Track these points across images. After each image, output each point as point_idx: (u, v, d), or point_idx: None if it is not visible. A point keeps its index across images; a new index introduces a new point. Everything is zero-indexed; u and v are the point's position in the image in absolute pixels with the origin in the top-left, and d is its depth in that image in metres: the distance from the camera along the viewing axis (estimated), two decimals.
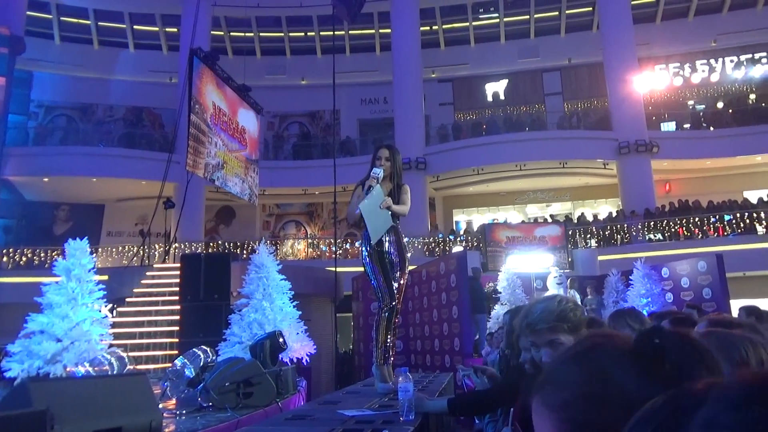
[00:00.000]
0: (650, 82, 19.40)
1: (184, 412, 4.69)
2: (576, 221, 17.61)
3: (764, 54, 19.87)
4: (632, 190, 16.85)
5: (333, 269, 11.58)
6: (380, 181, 3.83)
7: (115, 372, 5.46)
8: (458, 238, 16.81)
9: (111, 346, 5.98)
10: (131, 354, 7.03)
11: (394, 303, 3.79)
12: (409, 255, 4.05)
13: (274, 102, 20.43)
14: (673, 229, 15.34)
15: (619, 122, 17.36)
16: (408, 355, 10.18)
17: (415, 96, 18.38)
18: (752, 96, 19.72)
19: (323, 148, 20.85)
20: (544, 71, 21.32)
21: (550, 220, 18.22)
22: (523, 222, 17.77)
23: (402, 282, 3.90)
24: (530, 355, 1.76)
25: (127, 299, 10.55)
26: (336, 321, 11.45)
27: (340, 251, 16.59)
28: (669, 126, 19.15)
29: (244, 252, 15.95)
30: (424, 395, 2.62)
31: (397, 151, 4.03)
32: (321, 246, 17.95)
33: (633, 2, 19.25)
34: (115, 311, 9.96)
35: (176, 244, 15.44)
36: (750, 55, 19.93)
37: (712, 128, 18.46)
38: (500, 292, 10.07)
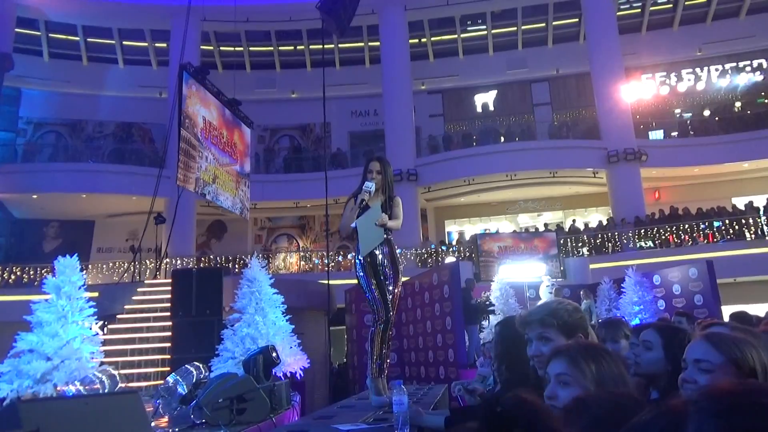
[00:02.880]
0: (637, 91, 19.62)
1: (177, 429, 4.64)
2: (567, 230, 17.68)
3: (748, 62, 20.18)
4: (622, 198, 16.97)
5: (326, 282, 11.55)
6: (372, 195, 3.85)
7: (106, 390, 5.39)
8: (450, 249, 16.84)
9: (102, 364, 5.91)
10: (123, 372, 6.94)
11: (389, 315, 3.79)
12: (402, 266, 4.04)
13: (264, 115, 20.46)
14: (663, 237, 15.44)
15: (608, 131, 17.52)
16: (402, 367, 10.14)
17: (405, 108, 18.48)
18: (737, 104, 19.97)
19: (314, 160, 20.89)
20: (533, 82, 21.51)
21: (542, 229, 18.31)
22: (514, 231, 17.83)
23: (396, 293, 3.91)
24: (533, 349, 1.78)
25: (118, 316, 10.45)
26: (329, 334, 11.38)
27: (333, 264, 16.56)
28: (657, 134, 19.36)
29: (236, 266, 15.88)
30: (420, 409, 2.61)
31: (388, 163, 4.04)
32: (313, 259, 17.91)
33: (618, 13, 19.53)
34: (106, 328, 9.85)
35: (167, 260, 15.34)
36: (735, 64, 20.23)
37: (698, 136, 18.68)
38: (494, 304, 10.06)
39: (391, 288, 3.86)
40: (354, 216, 3.79)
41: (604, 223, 17.52)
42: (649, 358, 1.97)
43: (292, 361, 7.45)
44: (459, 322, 8.59)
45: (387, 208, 3.87)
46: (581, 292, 10.84)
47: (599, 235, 16.23)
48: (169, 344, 8.92)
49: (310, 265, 17.69)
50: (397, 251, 4.04)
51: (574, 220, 18.75)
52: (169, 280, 9.69)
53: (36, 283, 13.39)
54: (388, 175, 3.95)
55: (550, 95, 21.56)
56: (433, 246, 17.27)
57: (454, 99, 21.99)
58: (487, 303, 10.26)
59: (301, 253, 18.78)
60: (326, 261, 13.80)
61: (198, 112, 13.48)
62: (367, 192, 3.80)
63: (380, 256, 3.85)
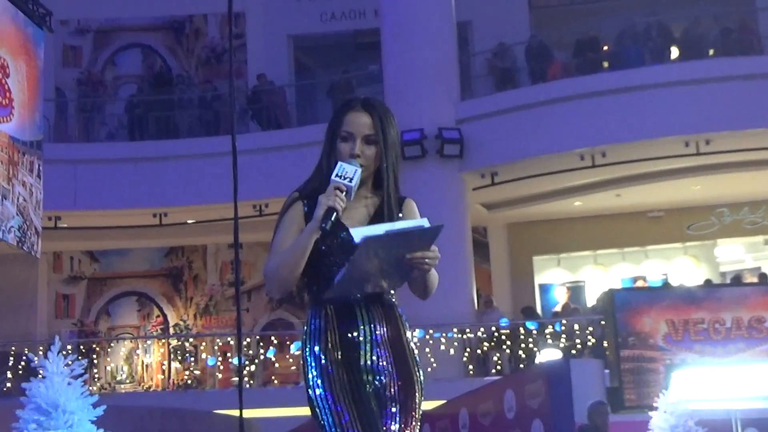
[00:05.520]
0: None
1: None
2: None
3: None
4: None
5: (235, 413, 11.53)
6: (353, 193, 3.81)
7: None
8: (549, 329, 16.96)
9: None
10: None
11: None
12: (421, 373, 4.00)
13: None
14: None
15: None
16: None
17: None
18: None
19: (205, 109, 21.18)
20: None
21: None
22: (708, 283, 17.78)
23: None
24: None
25: None
26: None
27: (252, 368, 16.69)
28: None
29: (9, 375, 15.82)
30: None
31: (389, 116, 3.99)
32: (204, 356, 17.89)
33: None
34: None
35: None
36: None
37: None
38: None
39: (395, 420, 3.84)
40: (307, 245, 3.74)
41: None
42: None
43: None
44: None
45: (386, 220, 3.85)
46: None
47: None
48: None
49: (195, 374, 17.66)
50: (413, 335, 3.98)
51: None
52: None
53: None
54: (391, 142, 3.92)
55: None
56: (505, 322, 17.26)
57: None
58: None
59: (175, 342, 18.76)
60: (236, 361, 13.84)
61: None
62: (346, 184, 3.74)
63: (366, 344, 3.82)
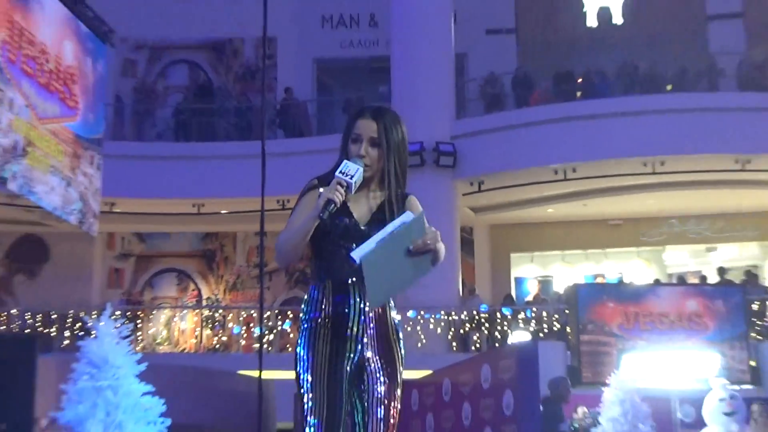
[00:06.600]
0: None
1: None
2: None
3: None
4: None
5: (255, 374, 11.56)
6: (355, 186, 3.79)
7: None
8: (522, 314, 17.03)
9: None
10: None
11: None
12: (403, 350, 4.00)
13: (137, 19, 20.54)
14: None
15: None
16: None
17: (435, 12, 18.66)
18: None
19: (240, 117, 21.23)
20: None
21: (713, 279, 18.28)
22: (657, 284, 17.83)
23: (392, 408, 3.87)
24: None
25: None
26: None
27: (271, 336, 16.69)
28: None
29: (67, 334, 15.85)
30: None
31: (396, 122, 3.98)
32: (231, 325, 17.92)
33: None
34: None
35: None
36: None
37: None
38: None
39: (378, 390, 3.84)
40: (308, 229, 3.74)
41: None
42: None
43: None
44: None
45: (392, 213, 3.84)
46: None
47: None
48: None
49: (225, 339, 17.70)
50: (395, 315, 3.97)
51: None
52: None
53: None
54: (393, 146, 3.92)
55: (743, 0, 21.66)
56: (485, 308, 17.39)
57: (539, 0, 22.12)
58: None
59: (206, 312, 18.80)
60: (258, 330, 13.84)
61: None
62: (347, 180, 3.73)
63: (354, 317, 3.82)
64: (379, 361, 3.78)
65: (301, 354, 3.74)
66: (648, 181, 18.63)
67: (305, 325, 3.78)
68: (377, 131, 3.78)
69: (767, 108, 17.94)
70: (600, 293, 15.24)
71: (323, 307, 3.75)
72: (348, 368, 3.73)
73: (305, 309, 3.80)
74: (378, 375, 3.78)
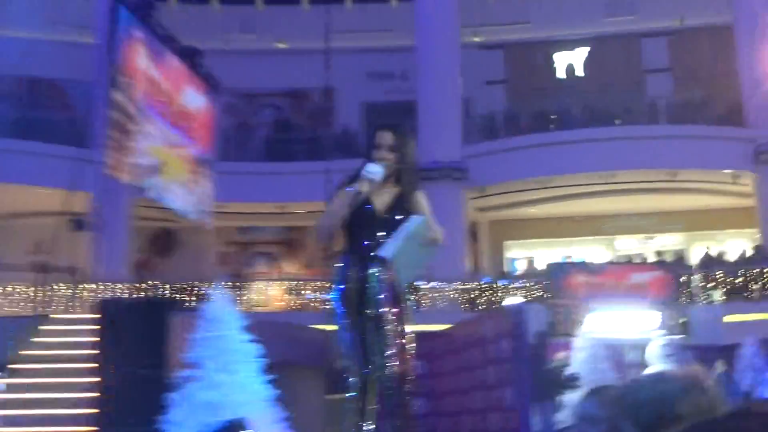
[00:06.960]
0: None
1: None
2: (692, 263, 17.51)
3: None
4: None
5: (322, 327, 11.58)
6: (376, 184, 3.78)
7: None
8: (514, 285, 16.95)
9: None
10: None
11: (378, 371, 3.75)
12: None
13: (237, 74, 20.52)
14: None
15: (758, 115, 17.37)
16: None
17: (448, 69, 18.65)
18: None
19: (311, 144, 21.13)
20: (644, 36, 21.45)
21: (652, 259, 18.12)
22: (611, 262, 17.71)
23: (402, 344, 3.85)
24: None
25: (10, 365, 10.42)
26: (327, 403, 11.44)
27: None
28: None
29: (192, 299, 15.99)
30: None
31: (407, 136, 4.00)
32: (305, 292, 17.95)
33: None
34: None
35: (89, 285, 15.48)
36: None
37: None
38: (576, 372, 10.00)
39: (391, 333, 3.81)
40: (340, 210, 3.80)
41: (749, 253, 17.29)
42: None
43: None
44: (526, 396, 8.56)
45: (402, 209, 3.86)
46: (717, 365, 10.72)
47: (741, 273, 16.04)
48: (90, 411, 8.94)
49: (301, 302, 17.71)
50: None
51: (708, 248, 18.60)
52: (91, 316, 9.73)
53: None
54: (406, 154, 3.92)
55: (670, 57, 21.47)
56: (486, 279, 17.33)
57: (522, 58, 22.01)
58: (569, 374, 10.19)
59: (288, 283, 18.85)
60: (325, 296, 13.82)
61: (139, 65, 13.62)
62: (369, 179, 3.73)
63: (373, 282, 3.80)
64: (392, 314, 3.82)
65: (337, 310, 3.86)
66: (604, 189, 18.95)
67: (338, 288, 3.86)
68: (393, 140, 3.85)
69: (690, 136, 18.11)
70: (570, 269, 15.24)
71: (350, 273, 3.82)
72: (371, 318, 3.79)
73: (338, 274, 3.87)
74: (391, 324, 3.81)
